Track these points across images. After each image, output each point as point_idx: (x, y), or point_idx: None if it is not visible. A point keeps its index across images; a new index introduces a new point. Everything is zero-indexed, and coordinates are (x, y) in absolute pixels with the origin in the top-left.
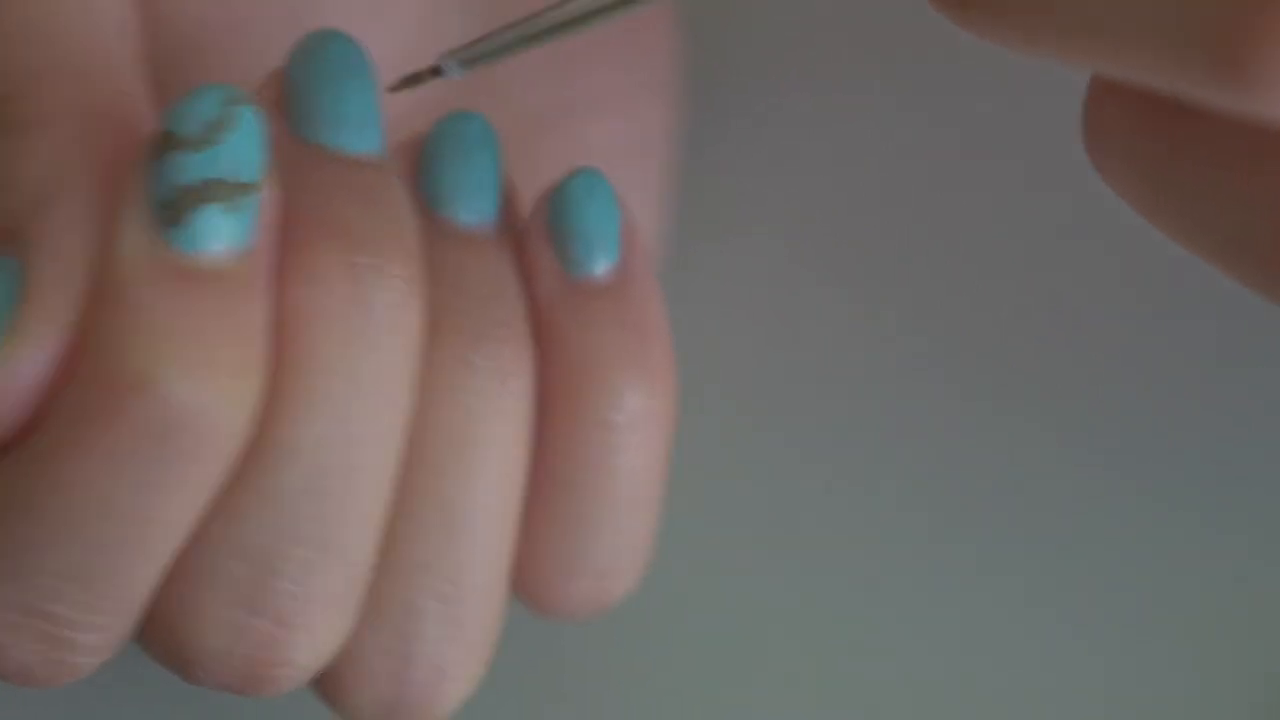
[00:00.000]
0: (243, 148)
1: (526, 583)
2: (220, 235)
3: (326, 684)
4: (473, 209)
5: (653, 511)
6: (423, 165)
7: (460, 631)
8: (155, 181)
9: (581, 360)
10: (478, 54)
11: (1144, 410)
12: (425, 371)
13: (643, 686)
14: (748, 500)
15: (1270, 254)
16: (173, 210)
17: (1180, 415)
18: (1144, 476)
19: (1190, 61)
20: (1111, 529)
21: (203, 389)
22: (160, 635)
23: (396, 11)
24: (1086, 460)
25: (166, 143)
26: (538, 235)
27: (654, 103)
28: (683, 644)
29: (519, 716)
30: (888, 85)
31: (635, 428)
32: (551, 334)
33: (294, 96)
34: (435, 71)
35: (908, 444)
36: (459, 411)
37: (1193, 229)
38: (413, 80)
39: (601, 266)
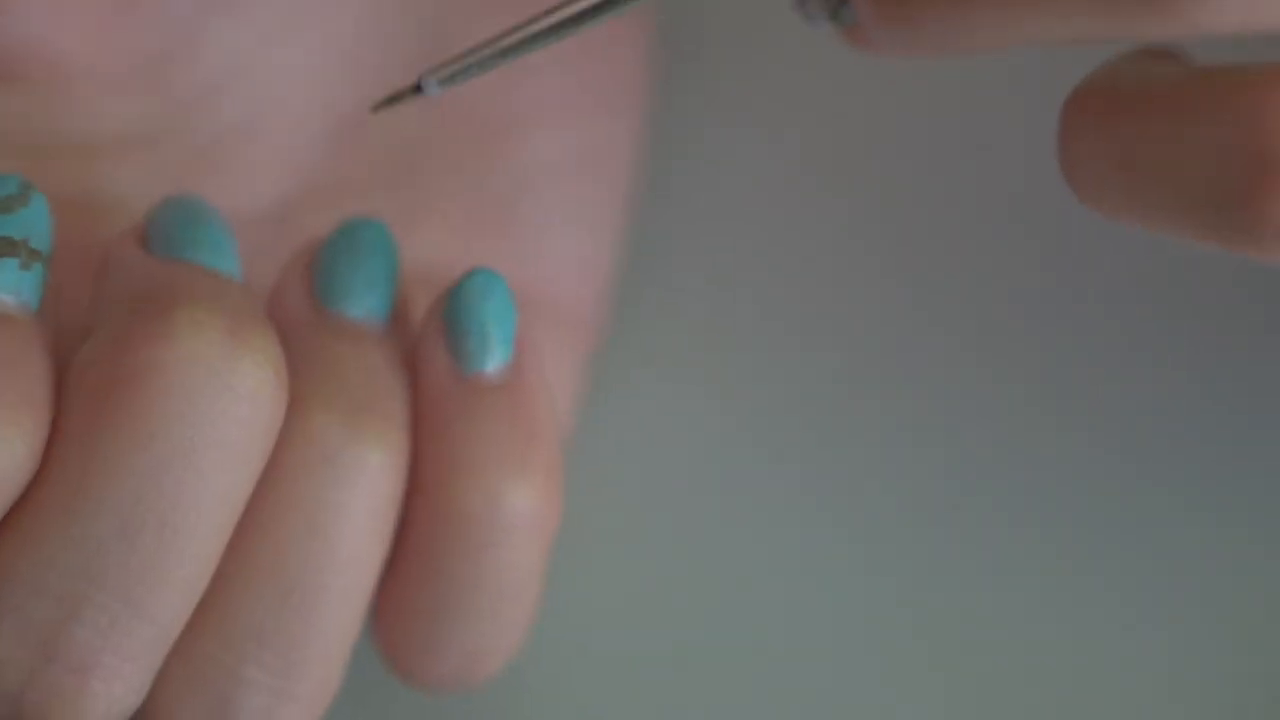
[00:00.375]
0: (35, 221)
1: (392, 655)
2: (9, 288)
3: None
4: (360, 305)
5: (529, 599)
6: (318, 263)
7: (287, 704)
8: None
9: (464, 455)
10: (457, 70)
11: (1140, 396)
12: (284, 449)
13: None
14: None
15: (1227, 199)
16: None
17: (1178, 413)
18: (1143, 469)
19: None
20: (1112, 523)
21: None
22: None
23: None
24: (1086, 458)
25: None
26: (432, 329)
27: (612, 112)
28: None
29: None
30: (868, 85)
31: (512, 527)
32: (436, 426)
33: None
34: (416, 89)
35: (906, 443)
36: (311, 491)
37: (1162, 212)
38: (394, 99)
39: (493, 364)
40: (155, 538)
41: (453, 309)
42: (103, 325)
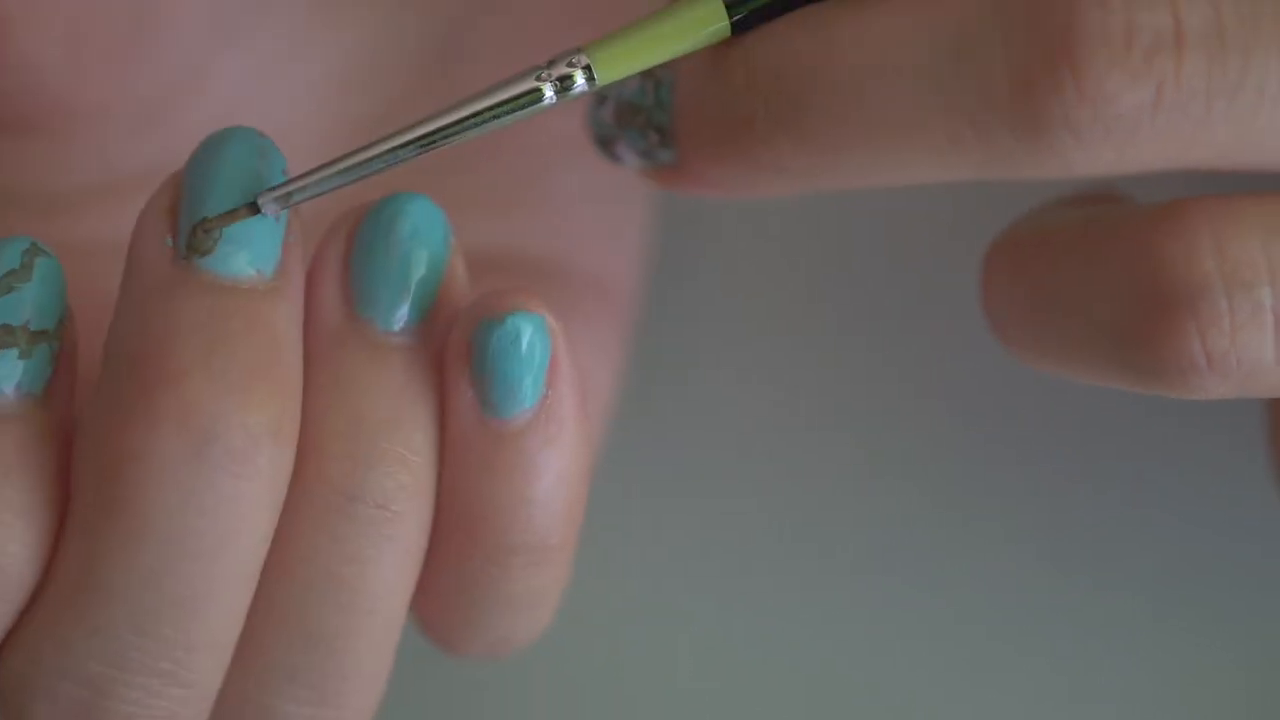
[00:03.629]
0: (38, 297)
1: (429, 633)
2: (12, 379)
3: None
4: (393, 318)
5: (552, 602)
6: (354, 252)
7: None
8: None
9: (482, 505)
10: (293, 191)
11: (1137, 417)
12: (301, 498)
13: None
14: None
15: (1129, 339)
16: None
17: (1177, 419)
18: (1144, 478)
19: (987, 124)
20: (1111, 531)
21: None
22: None
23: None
24: (1085, 463)
25: None
26: (455, 364)
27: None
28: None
29: None
30: None
31: (531, 565)
32: (457, 466)
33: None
34: (253, 208)
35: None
36: (332, 544)
37: (1074, 356)
38: (230, 217)
39: (519, 410)
40: (171, 621)
41: (478, 352)
42: (101, 386)
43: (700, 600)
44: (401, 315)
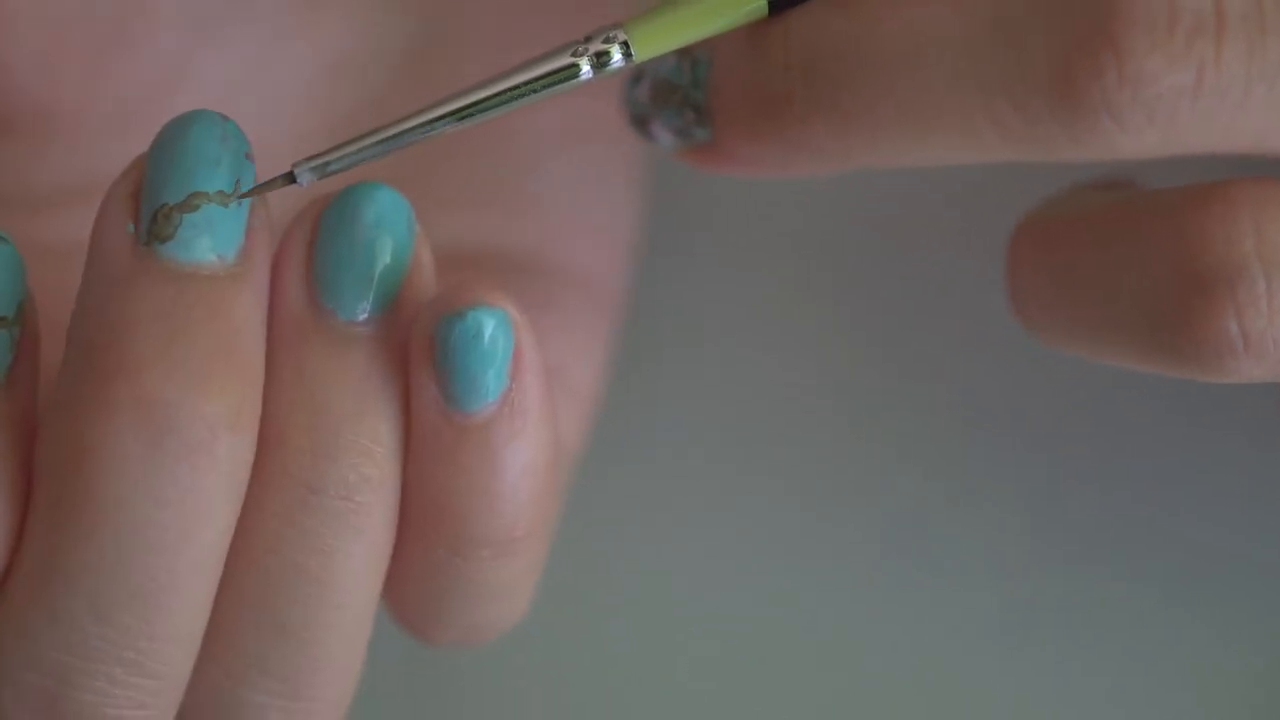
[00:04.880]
0: None
1: (401, 622)
2: None
3: None
4: (356, 309)
5: (525, 591)
6: (318, 242)
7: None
8: None
9: (447, 499)
10: (330, 160)
11: (1137, 414)
12: (264, 489)
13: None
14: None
15: (1163, 323)
16: None
17: (1176, 419)
18: (1144, 474)
19: (1028, 104)
20: (1112, 530)
21: None
22: None
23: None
24: (1084, 460)
25: None
26: (418, 357)
27: None
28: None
29: None
30: None
31: (500, 556)
32: (421, 459)
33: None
34: (290, 179)
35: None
36: (297, 536)
37: (1103, 339)
38: (266, 186)
39: (481, 405)
40: (131, 612)
41: (440, 347)
42: (62, 377)
43: (694, 589)
44: (364, 306)
